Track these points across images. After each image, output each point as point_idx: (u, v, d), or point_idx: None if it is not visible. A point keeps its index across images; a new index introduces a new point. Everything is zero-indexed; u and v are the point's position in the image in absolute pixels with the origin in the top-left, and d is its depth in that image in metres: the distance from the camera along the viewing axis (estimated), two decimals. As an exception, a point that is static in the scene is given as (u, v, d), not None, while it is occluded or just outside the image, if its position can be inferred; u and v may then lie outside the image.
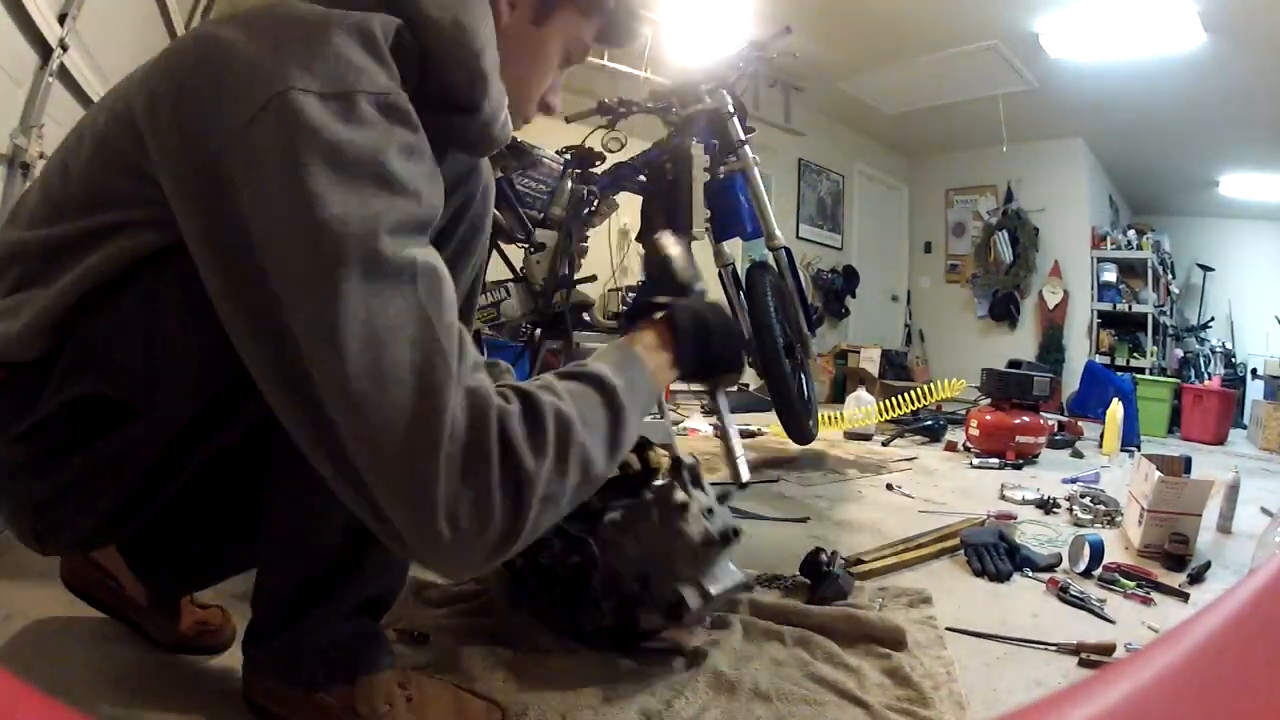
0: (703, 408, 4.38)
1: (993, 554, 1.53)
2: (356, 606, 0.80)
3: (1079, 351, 6.09)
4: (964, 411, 3.69)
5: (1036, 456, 3.15)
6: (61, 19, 1.49)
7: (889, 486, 2.40)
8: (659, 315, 0.78)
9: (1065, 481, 2.65)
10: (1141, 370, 5.68)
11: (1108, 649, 1.12)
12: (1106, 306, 6.12)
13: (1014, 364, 3.54)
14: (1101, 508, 2.06)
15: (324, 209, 0.54)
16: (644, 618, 0.98)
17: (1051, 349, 6.19)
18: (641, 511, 0.98)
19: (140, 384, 0.66)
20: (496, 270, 2.18)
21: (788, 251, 2.45)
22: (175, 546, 0.88)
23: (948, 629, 1.19)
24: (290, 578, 0.78)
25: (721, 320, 0.82)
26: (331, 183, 0.55)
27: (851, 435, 3.57)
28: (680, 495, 0.97)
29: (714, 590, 0.95)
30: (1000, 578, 1.46)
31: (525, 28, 0.78)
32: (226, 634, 0.97)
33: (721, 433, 0.91)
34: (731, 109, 2.36)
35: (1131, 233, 6.26)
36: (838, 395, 5.32)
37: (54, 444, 0.68)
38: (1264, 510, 2.28)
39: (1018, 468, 2.95)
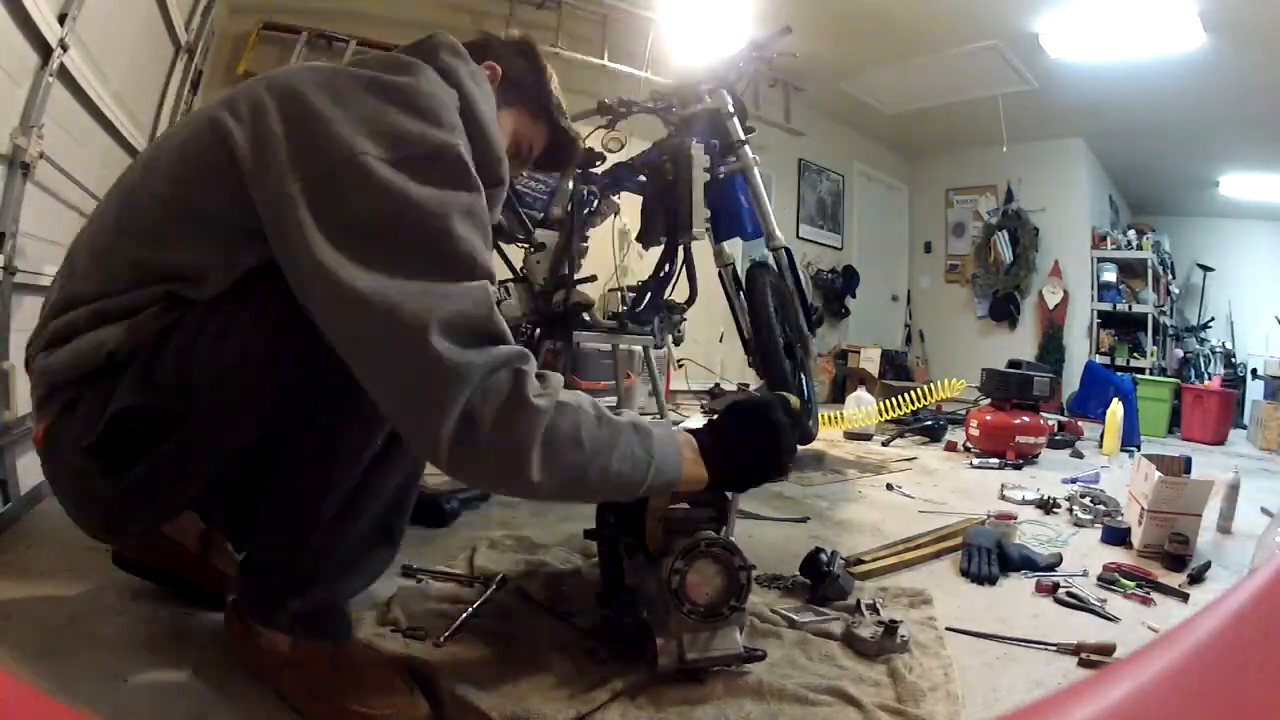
0: (703, 408, 4.38)
1: (980, 556, 1.53)
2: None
3: (1079, 351, 6.09)
4: (964, 411, 3.69)
5: (1036, 456, 3.15)
6: (61, 19, 1.48)
7: (889, 486, 2.40)
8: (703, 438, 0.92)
9: (1065, 481, 2.65)
10: (1141, 370, 5.68)
11: (1108, 649, 1.12)
12: (1106, 306, 6.11)
13: (1014, 364, 3.53)
14: (1101, 508, 2.06)
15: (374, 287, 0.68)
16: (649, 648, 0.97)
17: (1051, 349, 6.19)
18: (678, 555, 0.95)
19: (174, 394, 0.77)
20: (496, 270, 2.18)
21: (788, 251, 2.45)
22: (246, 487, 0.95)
23: (948, 629, 1.19)
24: (288, 522, 0.86)
25: (763, 446, 0.93)
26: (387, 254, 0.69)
27: (851, 435, 3.57)
28: (706, 557, 0.95)
29: (690, 656, 0.93)
30: (981, 580, 1.46)
31: None
32: None
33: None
34: (731, 109, 2.36)
35: (1131, 233, 6.26)
36: (838, 395, 5.33)
37: (116, 452, 0.78)
38: (1264, 510, 2.28)
39: (1018, 468, 2.95)
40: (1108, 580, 1.48)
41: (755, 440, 0.93)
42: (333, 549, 0.87)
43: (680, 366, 4.87)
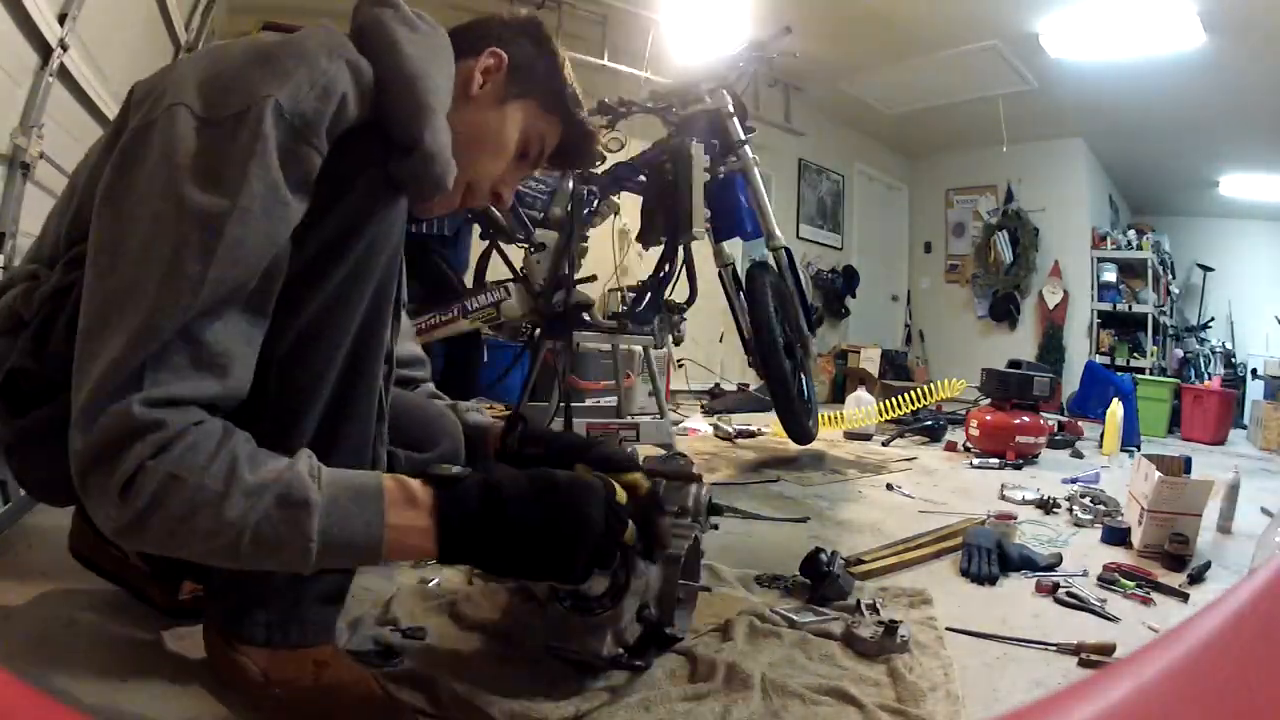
0: (703, 407, 4.38)
1: (980, 556, 1.53)
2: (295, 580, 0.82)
3: (1079, 351, 6.09)
4: (964, 411, 3.69)
5: (1036, 456, 3.15)
6: (61, 19, 1.48)
7: (889, 486, 2.40)
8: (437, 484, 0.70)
9: (1065, 481, 2.65)
10: (1141, 370, 5.68)
11: (1108, 649, 1.12)
12: (1106, 306, 6.12)
13: (1014, 364, 3.53)
14: (1101, 508, 2.06)
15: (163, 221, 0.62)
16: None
17: (1051, 349, 6.19)
18: None
19: (60, 366, 0.73)
20: (497, 270, 2.18)
21: (788, 251, 2.45)
22: None
23: (948, 629, 1.19)
24: None
25: (543, 515, 0.70)
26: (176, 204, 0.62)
27: (851, 435, 3.57)
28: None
29: (553, 642, 0.91)
30: (981, 580, 1.46)
31: (490, 103, 0.86)
32: None
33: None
34: (731, 109, 2.36)
35: (1131, 233, 6.27)
36: (838, 395, 5.33)
37: (12, 402, 0.77)
38: (1264, 510, 2.28)
39: (1018, 468, 2.95)
40: (1108, 580, 1.48)
41: (538, 528, 0.71)
42: None
43: (680, 366, 4.87)
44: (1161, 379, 5.26)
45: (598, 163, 2.21)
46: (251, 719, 0.82)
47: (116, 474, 0.59)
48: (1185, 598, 1.43)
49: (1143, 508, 1.72)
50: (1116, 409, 3.51)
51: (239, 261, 0.62)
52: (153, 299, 0.61)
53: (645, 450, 2.04)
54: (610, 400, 3.12)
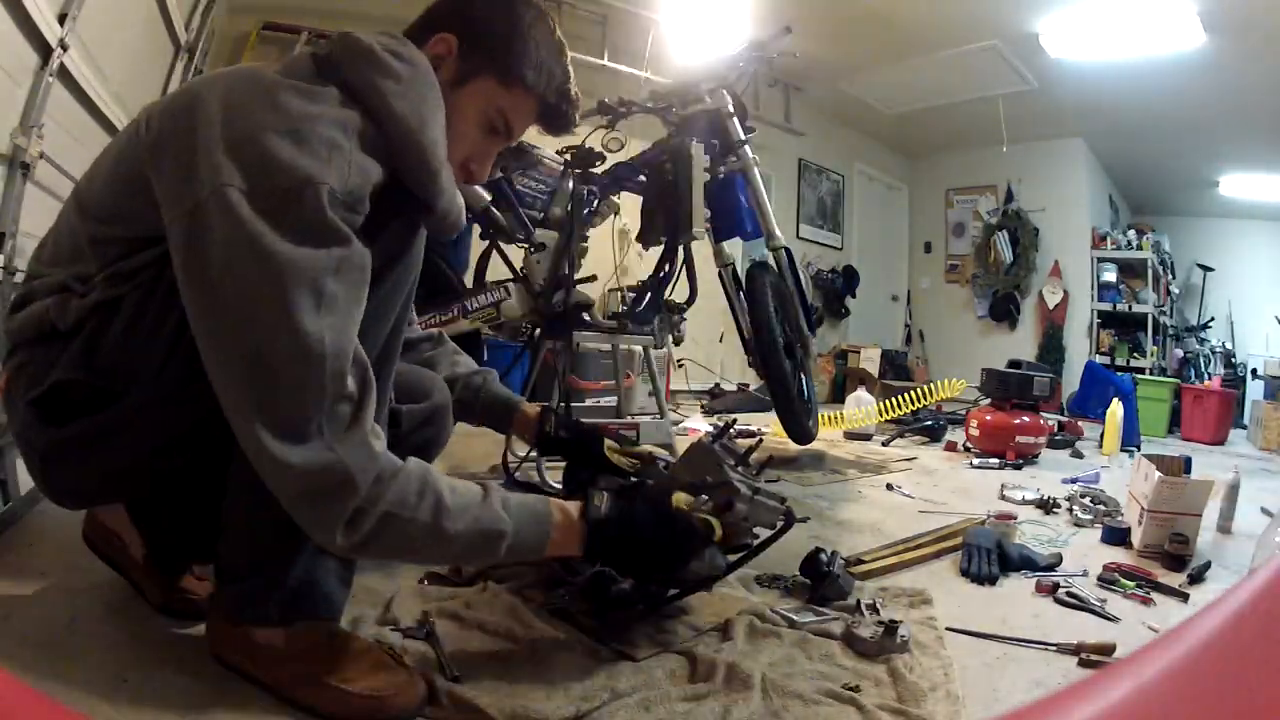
0: (702, 407, 4.38)
1: (980, 556, 1.53)
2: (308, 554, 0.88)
3: (1079, 351, 6.09)
4: (964, 411, 3.69)
5: (1036, 456, 3.15)
6: (61, 19, 1.49)
7: (889, 486, 2.40)
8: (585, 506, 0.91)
9: (1065, 481, 2.65)
10: (1141, 370, 5.68)
11: (1108, 649, 1.12)
12: (1106, 306, 6.12)
13: (1014, 364, 3.53)
14: (1101, 508, 2.06)
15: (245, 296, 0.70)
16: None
17: (1051, 349, 6.19)
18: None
19: (114, 376, 0.81)
20: (497, 270, 2.18)
21: (788, 251, 2.45)
22: (176, 511, 0.98)
23: (948, 629, 1.19)
24: (251, 523, 0.86)
25: (656, 532, 0.94)
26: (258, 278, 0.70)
27: (851, 435, 3.57)
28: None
29: None
30: (981, 580, 1.46)
31: (448, 87, 0.87)
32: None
33: None
34: (731, 109, 2.35)
35: (1131, 233, 6.26)
36: (838, 395, 5.33)
37: (54, 410, 0.83)
38: (1264, 510, 2.28)
39: (1018, 468, 2.95)
40: (1108, 580, 1.48)
41: (644, 541, 0.94)
42: (295, 534, 0.84)
43: (680, 366, 4.87)
44: (1161, 379, 5.26)
45: (598, 163, 2.21)
46: (261, 707, 0.83)
47: (334, 514, 0.73)
48: (1185, 598, 1.43)
49: (1143, 508, 1.72)
50: (1116, 409, 3.51)
51: (339, 311, 0.73)
52: (309, 356, 0.71)
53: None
54: (610, 400, 3.12)
